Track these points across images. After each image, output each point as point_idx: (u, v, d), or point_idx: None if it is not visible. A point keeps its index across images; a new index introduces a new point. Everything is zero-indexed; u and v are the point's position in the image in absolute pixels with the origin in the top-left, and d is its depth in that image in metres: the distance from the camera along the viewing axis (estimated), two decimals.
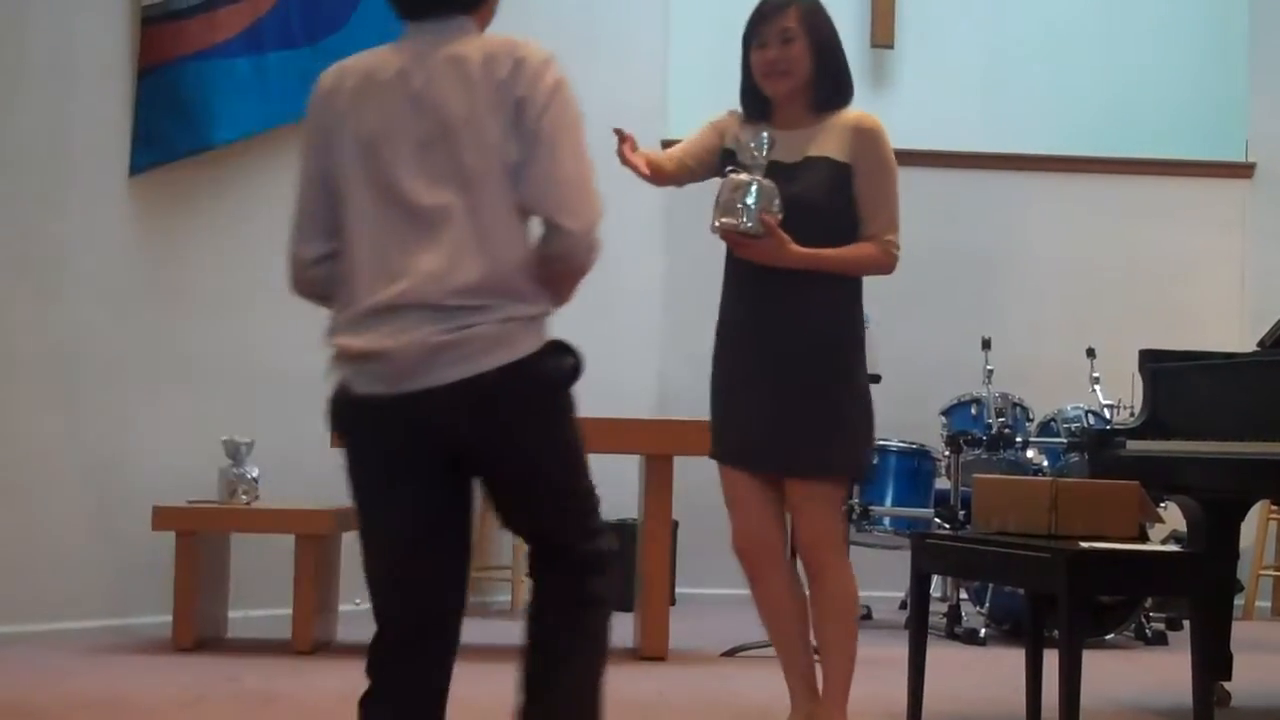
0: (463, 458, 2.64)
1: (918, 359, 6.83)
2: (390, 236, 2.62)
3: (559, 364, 2.63)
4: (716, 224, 3.46)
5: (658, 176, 3.60)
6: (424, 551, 2.70)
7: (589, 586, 2.70)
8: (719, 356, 3.65)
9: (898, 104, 6.96)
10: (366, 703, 2.72)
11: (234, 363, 5.96)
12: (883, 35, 7.14)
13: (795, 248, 3.45)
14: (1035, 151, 7.30)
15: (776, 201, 3.44)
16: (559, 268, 2.62)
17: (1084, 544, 3.55)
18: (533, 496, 2.70)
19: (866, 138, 3.54)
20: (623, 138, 3.46)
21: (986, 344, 6.31)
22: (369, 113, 2.67)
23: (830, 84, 3.60)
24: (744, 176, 3.45)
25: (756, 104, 3.66)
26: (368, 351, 2.60)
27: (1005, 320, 7.00)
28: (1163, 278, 7.33)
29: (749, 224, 3.44)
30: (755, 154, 3.46)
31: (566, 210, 2.58)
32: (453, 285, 2.56)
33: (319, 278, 2.77)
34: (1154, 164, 7.37)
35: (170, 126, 5.76)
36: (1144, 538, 3.99)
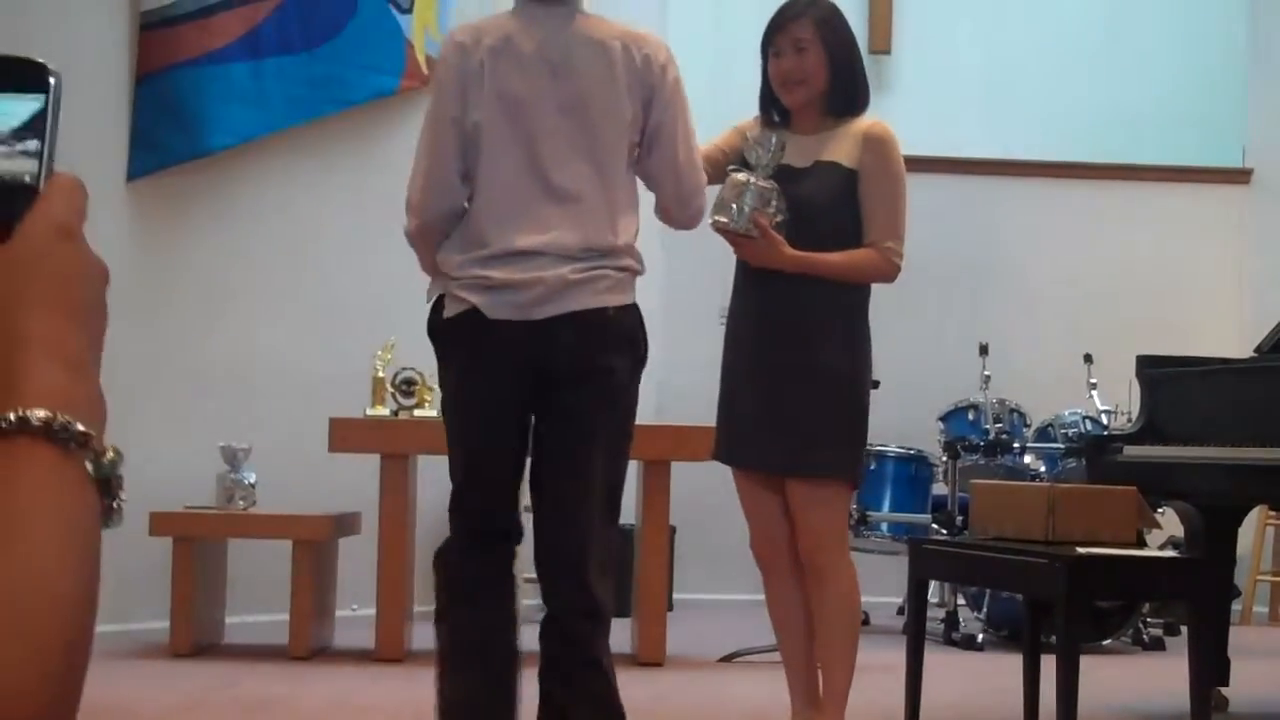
0: (556, 387, 2.97)
1: (915, 364, 6.84)
2: (530, 194, 2.98)
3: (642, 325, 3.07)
4: (711, 220, 3.47)
5: None
6: (508, 460, 3.05)
7: (590, 650, 2.93)
8: (725, 356, 3.68)
9: (895, 111, 6.79)
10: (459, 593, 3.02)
11: (232, 368, 5.97)
12: (880, 42, 7.16)
13: (789, 250, 3.47)
14: (1033, 158, 7.32)
15: (774, 203, 3.46)
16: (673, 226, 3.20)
17: (1081, 549, 3.56)
18: (579, 451, 2.97)
19: (875, 144, 3.56)
20: None
21: (984, 350, 6.32)
22: (511, 74, 2.98)
23: (845, 92, 3.62)
24: (742, 176, 3.47)
25: (774, 110, 3.69)
26: (510, 281, 2.96)
27: (1003, 326, 7.01)
28: (1160, 283, 7.35)
29: (740, 224, 3.46)
30: (761, 155, 3.48)
31: (678, 199, 3.08)
32: (584, 244, 2.96)
33: (449, 222, 3.06)
34: (1151, 170, 7.39)
35: (168, 132, 5.77)
36: (1141, 543, 4.00)
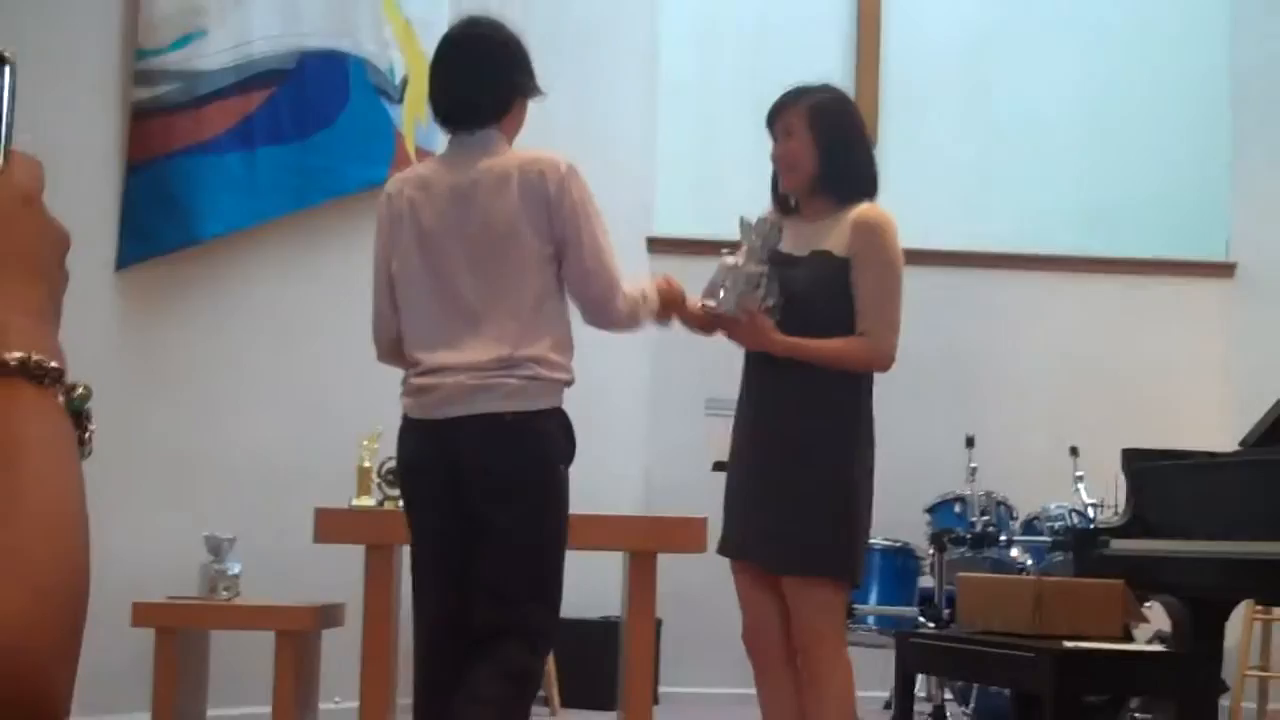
0: (468, 485, 3.28)
1: (901, 456, 6.70)
2: (442, 316, 3.34)
3: (562, 428, 3.32)
4: (700, 304, 3.51)
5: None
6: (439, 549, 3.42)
7: (516, 664, 3.26)
8: (732, 443, 3.68)
9: (880, 202, 7.03)
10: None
11: (218, 457, 5.95)
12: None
13: (777, 335, 3.48)
14: (1019, 250, 7.36)
15: (763, 287, 3.46)
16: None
17: (1068, 643, 3.54)
18: (503, 552, 3.26)
19: (866, 231, 3.56)
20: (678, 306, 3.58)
21: (970, 442, 6.32)
22: (425, 210, 3.36)
23: (837, 179, 3.62)
24: (731, 260, 3.49)
25: (780, 195, 3.74)
26: (424, 386, 3.36)
27: (989, 418, 7.01)
28: (1145, 376, 7.37)
29: (727, 306, 3.47)
30: (752, 238, 3.49)
31: (589, 302, 3.33)
32: (493, 357, 3.27)
33: (394, 347, 3.51)
34: (1136, 263, 7.43)
35: (158, 220, 5.78)
36: (1129, 637, 3.99)
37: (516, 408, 3.27)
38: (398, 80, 6.34)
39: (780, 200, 3.73)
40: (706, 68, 7.26)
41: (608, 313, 3.31)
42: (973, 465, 6.27)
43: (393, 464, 5.17)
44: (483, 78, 3.39)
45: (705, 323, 3.59)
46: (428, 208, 3.38)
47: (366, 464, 5.35)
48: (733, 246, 3.57)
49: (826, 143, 3.61)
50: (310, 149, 6.12)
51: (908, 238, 6.74)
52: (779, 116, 3.66)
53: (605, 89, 7.19)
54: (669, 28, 7.42)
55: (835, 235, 3.57)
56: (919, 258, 6.76)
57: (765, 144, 3.79)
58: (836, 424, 3.55)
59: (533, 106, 3.59)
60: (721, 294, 3.49)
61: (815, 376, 3.52)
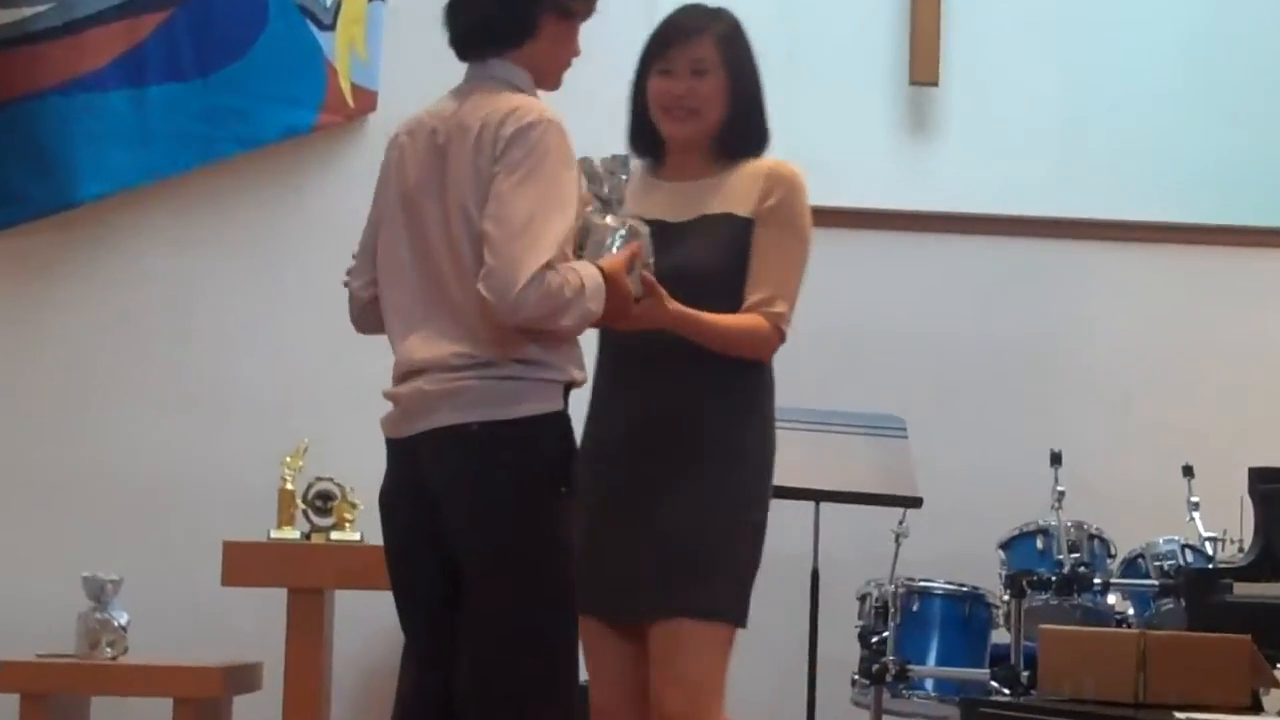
0: (438, 522, 3.31)
1: (968, 479, 6.75)
2: (423, 299, 3.34)
3: (556, 438, 3.31)
4: None
5: None
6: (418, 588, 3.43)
7: None
8: (581, 485, 3.46)
9: (940, 155, 6.99)
10: None
11: (101, 477, 5.93)
12: (924, 70, 7.06)
13: (674, 306, 3.44)
14: (1113, 217, 7.20)
15: (650, 248, 3.43)
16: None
17: (1181, 714, 3.52)
18: (467, 582, 3.28)
19: (781, 186, 3.61)
20: None
21: (1056, 459, 6.24)
22: (409, 166, 3.39)
23: (744, 130, 3.68)
24: (607, 219, 3.41)
25: (647, 144, 3.73)
26: (389, 395, 3.40)
27: (1079, 429, 6.89)
28: (1275, 375, 7.20)
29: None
30: (615, 183, 3.42)
31: (488, 288, 3.17)
32: (459, 351, 3.26)
33: (376, 318, 3.49)
34: (1260, 233, 7.28)
35: (25, 179, 5.77)
36: (1257, 706, 3.96)
37: (485, 416, 3.25)
38: (329, 0, 6.23)
39: (639, 150, 3.74)
40: None
41: (506, 300, 3.14)
42: (1059, 489, 6.22)
43: (324, 486, 5.29)
44: None
45: None
46: (412, 161, 3.39)
47: (289, 486, 5.33)
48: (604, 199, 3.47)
49: (738, 84, 3.65)
50: (217, 87, 6.07)
51: (973, 200, 6.90)
52: (682, 45, 3.65)
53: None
54: None
55: (735, 194, 3.63)
56: (987, 225, 6.93)
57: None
58: (740, 431, 3.61)
59: None
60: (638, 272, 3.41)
61: (710, 372, 3.56)
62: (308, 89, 6.21)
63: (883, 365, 6.53)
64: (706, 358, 3.55)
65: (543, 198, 3.19)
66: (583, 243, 3.39)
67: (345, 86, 6.24)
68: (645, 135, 3.74)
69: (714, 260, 3.60)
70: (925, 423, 6.03)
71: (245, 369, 6.10)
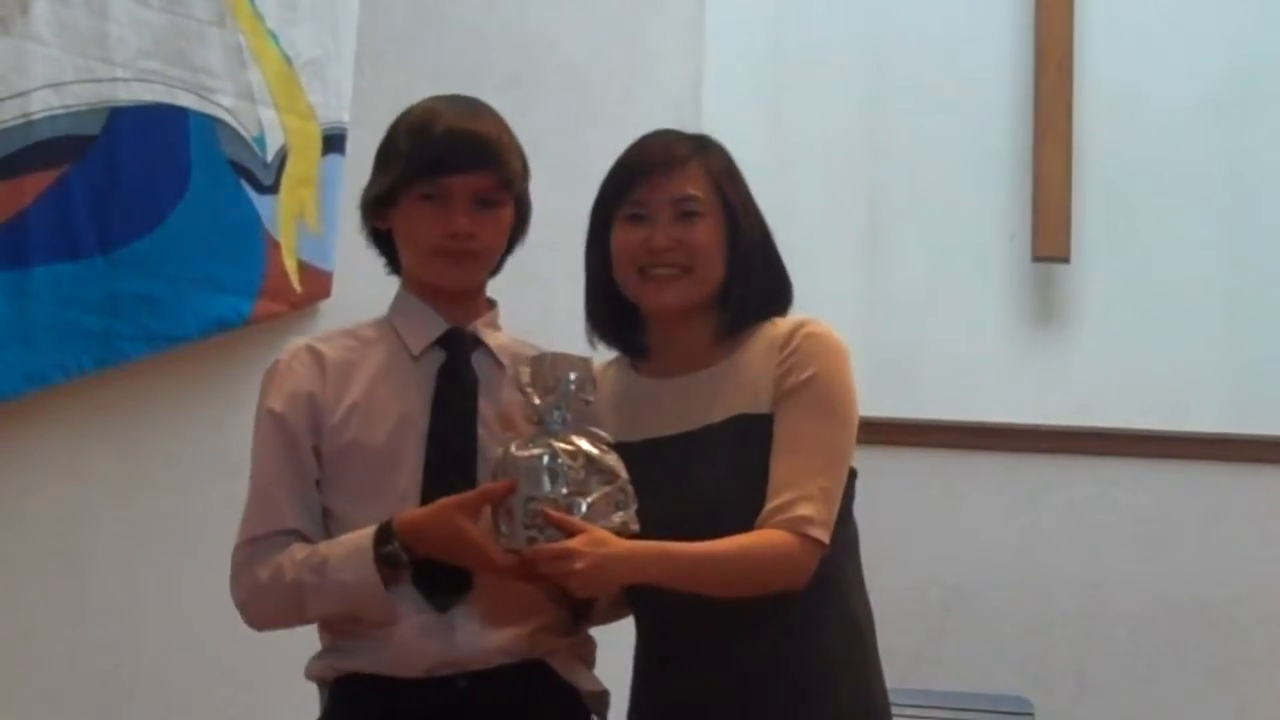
0: None
1: None
2: None
3: None
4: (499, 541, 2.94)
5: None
6: None
7: None
8: None
9: (1073, 352, 6.38)
10: None
11: None
12: (1050, 243, 6.38)
13: (621, 545, 2.88)
14: None
15: (626, 493, 2.93)
16: None
17: None
18: None
19: (798, 354, 3.12)
20: None
21: None
22: None
23: (752, 286, 3.22)
24: (528, 451, 2.92)
25: (619, 327, 3.30)
26: None
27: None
28: None
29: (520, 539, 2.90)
30: (555, 388, 2.96)
31: None
32: None
33: None
34: None
35: None
36: None
37: None
38: (270, 155, 5.50)
39: (609, 333, 3.32)
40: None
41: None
42: None
43: None
44: None
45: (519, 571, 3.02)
46: None
47: None
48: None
49: (745, 227, 3.23)
50: (122, 268, 5.15)
51: (1114, 409, 6.37)
52: (658, 180, 3.18)
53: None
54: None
55: (746, 382, 3.15)
56: (1135, 444, 6.28)
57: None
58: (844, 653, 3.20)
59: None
60: (524, 513, 2.91)
61: (792, 637, 3.11)
62: (242, 270, 5.42)
63: (1003, 632, 6.08)
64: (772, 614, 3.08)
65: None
66: (549, 486, 2.92)
67: (291, 266, 5.50)
68: (613, 314, 3.28)
69: (732, 490, 3.08)
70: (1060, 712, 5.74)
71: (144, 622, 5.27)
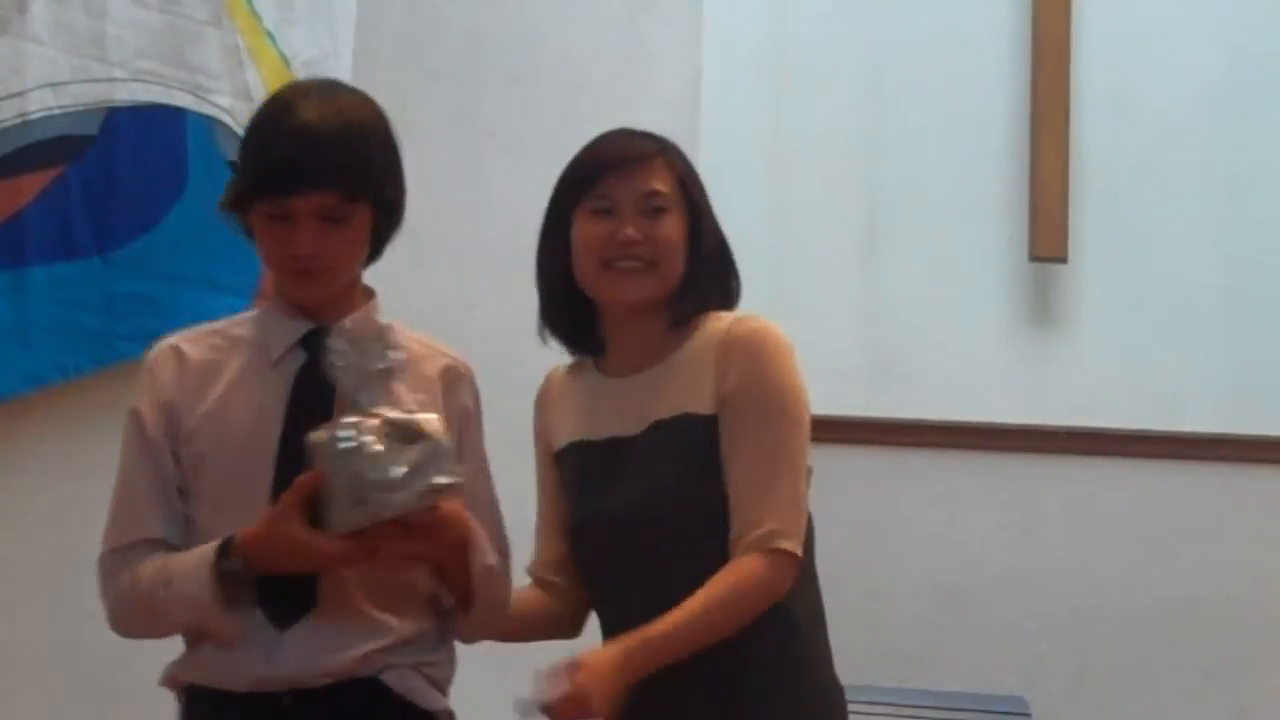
0: None
1: None
2: None
3: None
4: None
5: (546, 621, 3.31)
6: None
7: None
8: None
9: (1071, 352, 6.33)
10: None
11: None
12: (1047, 243, 6.35)
13: (615, 660, 2.93)
14: None
15: (441, 453, 2.82)
16: None
17: None
18: None
19: (735, 353, 3.07)
20: None
21: None
22: None
23: (707, 282, 3.20)
24: (325, 434, 2.83)
25: (573, 324, 3.24)
26: None
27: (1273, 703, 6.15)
28: None
29: (389, 509, 2.79)
30: (355, 372, 2.85)
31: None
32: None
33: None
34: None
35: None
36: None
37: None
38: None
39: (564, 332, 3.26)
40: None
41: None
42: None
43: None
44: None
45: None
46: None
47: None
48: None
49: (706, 226, 3.21)
50: (120, 267, 5.22)
51: (1111, 410, 6.30)
52: (627, 174, 3.15)
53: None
54: None
55: (690, 378, 3.10)
56: (1133, 444, 6.22)
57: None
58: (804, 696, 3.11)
59: None
60: (377, 497, 2.79)
61: (752, 657, 3.04)
62: (239, 270, 5.32)
63: (999, 632, 5.99)
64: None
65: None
66: (371, 469, 2.80)
67: None
68: (568, 311, 3.22)
69: (678, 493, 3.04)
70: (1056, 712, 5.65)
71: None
